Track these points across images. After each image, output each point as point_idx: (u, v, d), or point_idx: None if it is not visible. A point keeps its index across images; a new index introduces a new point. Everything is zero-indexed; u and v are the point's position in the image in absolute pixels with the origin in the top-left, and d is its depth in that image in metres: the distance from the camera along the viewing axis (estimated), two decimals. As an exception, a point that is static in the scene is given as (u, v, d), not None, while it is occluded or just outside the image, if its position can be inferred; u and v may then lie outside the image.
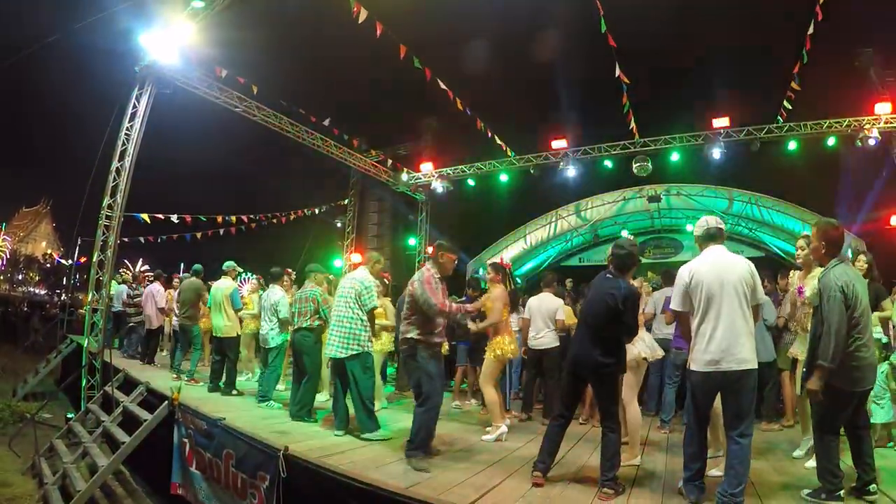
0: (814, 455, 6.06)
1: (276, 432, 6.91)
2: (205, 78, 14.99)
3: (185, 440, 7.64)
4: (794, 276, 6.91)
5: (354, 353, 7.25)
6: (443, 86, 15.70)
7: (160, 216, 17.90)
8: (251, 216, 20.77)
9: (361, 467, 5.64)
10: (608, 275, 5.85)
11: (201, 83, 14.92)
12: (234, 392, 10.01)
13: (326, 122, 18.27)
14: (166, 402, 8.10)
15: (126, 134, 12.44)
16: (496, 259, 13.74)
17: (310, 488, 5.57)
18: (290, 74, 17.59)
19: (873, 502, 4.98)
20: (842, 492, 4.94)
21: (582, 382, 5.89)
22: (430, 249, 21.21)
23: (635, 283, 7.00)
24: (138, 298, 14.17)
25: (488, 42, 16.30)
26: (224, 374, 10.26)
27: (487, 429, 7.83)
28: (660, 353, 7.10)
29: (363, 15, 12.43)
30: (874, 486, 5.01)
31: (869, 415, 5.99)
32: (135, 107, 12.61)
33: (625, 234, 25.33)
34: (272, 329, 9.60)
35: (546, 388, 9.66)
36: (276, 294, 9.77)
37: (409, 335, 6.50)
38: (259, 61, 15.80)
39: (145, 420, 8.14)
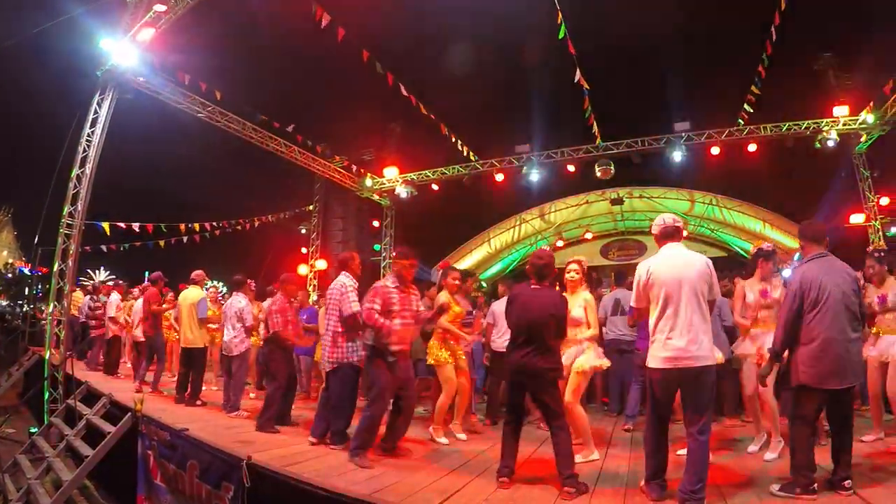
0: (769, 448, 6.48)
1: (239, 442, 6.87)
2: (168, 83, 14.87)
3: (150, 452, 7.52)
4: (744, 283, 7.05)
5: (330, 367, 7.27)
6: (404, 91, 15.73)
7: (121, 225, 17.69)
8: (214, 223, 20.52)
9: (325, 475, 5.63)
10: (534, 285, 5.98)
11: (164, 88, 14.81)
12: (199, 402, 9.90)
13: (290, 129, 18.20)
14: (129, 413, 7.97)
15: (87, 140, 12.26)
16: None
17: (274, 497, 5.54)
18: (253, 80, 17.51)
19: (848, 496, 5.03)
20: (815, 486, 5.02)
21: (523, 388, 5.93)
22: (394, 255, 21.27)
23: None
24: (99, 310, 13.89)
25: (451, 47, 16.34)
26: (189, 385, 10.12)
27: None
28: (607, 362, 7.14)
29: (326, 20, 12.42)
30: (849, 482, 5.08)
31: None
32: (96, 112, 12.45)
33: (588, 236, 25.65)
34: (236, 337, 9.51)
35: None
36: (241, 302, 9.68)
37: (367, 342, 6.80)
38: (223, 67, 15.70)
39: (109, 433, 8.01)
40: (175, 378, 10.96)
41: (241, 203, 20.61)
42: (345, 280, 7.36)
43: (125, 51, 12.43)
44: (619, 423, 8.95)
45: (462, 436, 7.94)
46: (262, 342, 9.15)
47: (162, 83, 14.74)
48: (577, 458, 6.22)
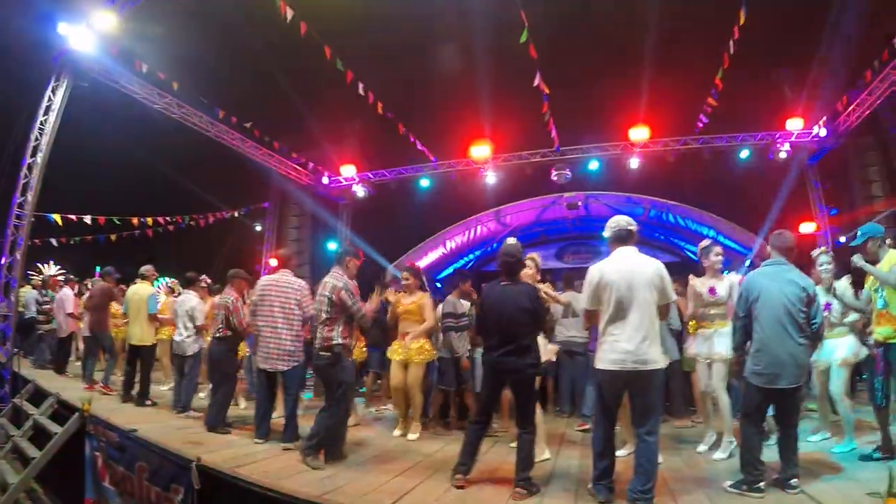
0: (719, 448, 6.65)
1: (189, 443, 6.78)
2: (125, 72, 14.45)
3: (98, 453, 7.32)
4: (695, 281, 7.21)
5: (293, 364, 7.24)
6: (361, 91, 15.68)
7: (73, 217, 17.33)
8: (168, 218, 20.11)
9: (275, 476, 5.60)
10: (504, 282, 5.98)
11: (121, 77, 14.37)
12: (148, 402, 9.68)
13: (248, 125, 17.99)
14: (77, 413, 7.77)
15: (39, 128, 11.86)
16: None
17: (224, 499, 5.48)
18: (212, 73, 17.17)
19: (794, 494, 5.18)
20: (762, 483, 5.18)
21: (502, 387, 5.99)
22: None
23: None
24: (48, 305, 13.55)
25: (413, 47, 16.30)
26: (138, 384, 9.88)
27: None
28: (552, 357, 7.41)
29: (289, 14, 12.31)
30: (796, 480, 5.23)
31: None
32: (50, 100, 12.01)
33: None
34: (189, 336, 9.32)
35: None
36: (192, 300, 9.52)
37: (334, 341, 6.59)
38: (182, 58, 15.30)
39: (56, 433, 7.80)
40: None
41: (196, 198, 20.17)
42: (290, 278, 7.40)
43: (82, 36, 11.98)
44: (571, 423, 9.07)
45: (413, 436, 7.97)
46: (212, 339, 8.94)
47: (119, 72, 14.33)
48: None
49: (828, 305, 6.98)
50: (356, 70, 15.24)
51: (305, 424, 7.02)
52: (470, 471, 5.71)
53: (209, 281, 10.75)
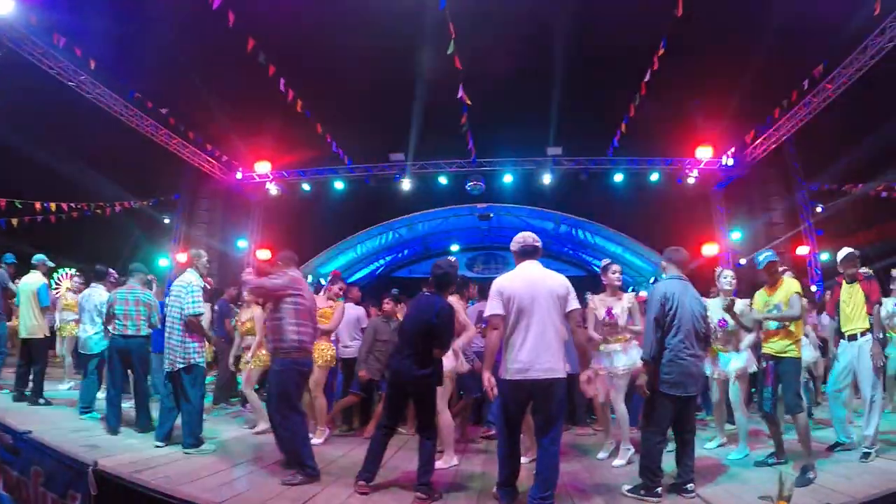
0: (618, 456, 6.92)
1: (86, 446, 6.52)
2: (40, 44, 13.86)
3: (-9, 457, 7.09)
4: (594, 301, 7.59)
5: (182, 365, 7.05)
6: (282, 87, 15.52)
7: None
8: (73, 204, 19.28)
9: (176, 482, 5.49)
10: (427, 293, 6.12)
11: (35, 49, 13.80)
12: (42, 401, 9.11)
13: (164, 111, 17.52)
14: (-34, 414, 7.46)
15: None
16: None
17: (123, 505, 5.33)
18: (132, 55, 16.57)
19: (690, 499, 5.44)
20: (660, 489, 5.44)
21: (403, 395, 6.02)
22: (260, 254, 20.86)
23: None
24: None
25: (338, 48, 16.19)
26: (31, 381, 9.33)
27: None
28: (467, 365, 7.57)
29: (217, 1, 12.07)
30: (692, 485, 5.52)
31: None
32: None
33: (454, 248, 25.99)
34: (95, 333, 8.88)
35: None
36: (101, 295, 9.05)
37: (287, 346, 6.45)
38: (101, 35, 14.73)
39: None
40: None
41: (104, 185, 19.34)
42: (192, 278, 7.21)
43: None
44: (476, 430, 9.18)
45: (317, 440, 7.87)
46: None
47: (34, 43, 13.77)
48: (439, 464, 6.42)
49: (723, 322, 7.40)
50: (279, 66, 15.06)
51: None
52: (373, 478, 5.73)
53: (117, 276, 10.39)
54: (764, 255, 6.63)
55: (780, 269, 6.93)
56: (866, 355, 6.68)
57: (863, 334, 6.81)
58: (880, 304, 7.06)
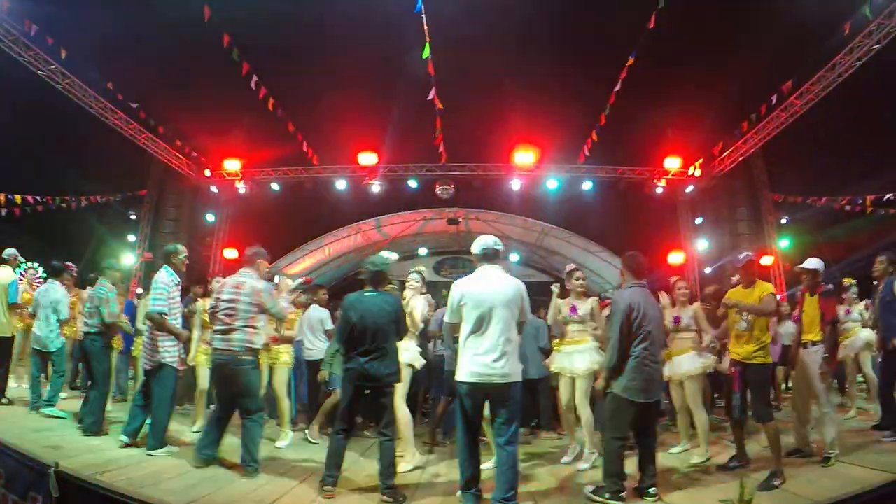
0: (582, 459, 7.05)
1: (48, 447, 6.39)
2: (12, 30, 13.67)
3: (-50, 458, 6.95)
4: (560, 302, 7.72)
5: (149, 366, 6.98)
6: (254, 85, 15.44)
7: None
8: (38, 197, 18.91)
9: (139, 484, 5.41)
10: (369, 292, 6.12)
11: (7, 36, 13.61)
12: (5, 401, 8.83)
13: (135, 105, 17.29)
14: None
15: None
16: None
17: (85, 508, 5.25)
18: (104, 46, 16.27)
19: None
20: (624, 492, 5.53)
21: (362, 395, 6.05)
22: (227, 253, 20.72)
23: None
24: None
25: (312, 47, 16.14)
26: None
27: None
28: (423, 361, 7.71)
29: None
30: (654, 489, 5.62)
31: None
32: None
33: (422, 251, 26.02)
34: (52, 331, 8.64)
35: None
36: (57, 291, 8.85)
37: (255, 345, 6.53)
38: (74, 24, 14.48)
39: None
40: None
41: (71, 179, 18.98)
42: (162, 275, 7.10)
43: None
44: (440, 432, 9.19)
45: (281, 443, 7.94)
46: (82, 336, 8.50)
47: (6, 30, 13.59)
48: (402, 466, 6.53)
49: (677, 319, 7.71)
50: (252, 63, 14.97)
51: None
52: (337, 482, 5.74)
53: (76, 272, 10.21)
54: (744, 254, 6.71)
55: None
56: (815, 365, 6.83)
57: (814, 344, 6.95)
58: (836, 322, 7.21)
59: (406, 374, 7.18)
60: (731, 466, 6.65)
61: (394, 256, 7.13)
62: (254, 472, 6.19)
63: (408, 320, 7.07)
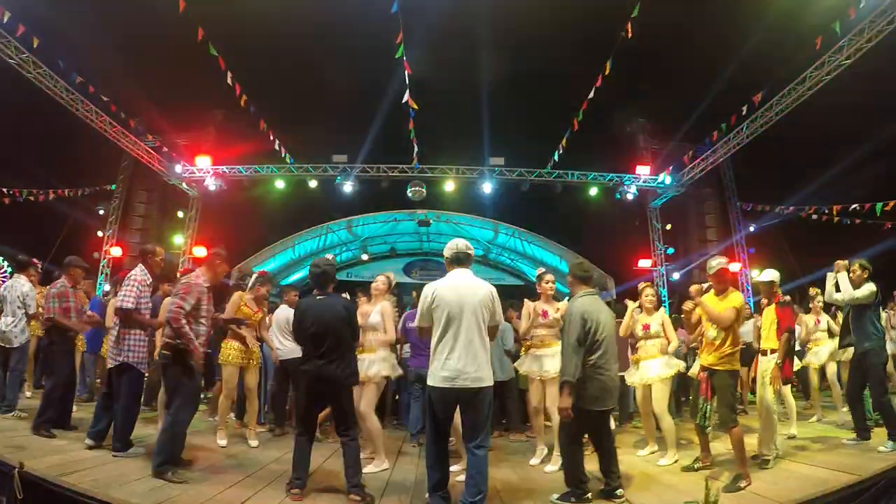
0: (550, 461, 7.12)
1: (11, 447, 6.30)
2: None
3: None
4: (529, 304, 7.79)
5: (113, 364, 6.86)
6: (229, 80, 15.33)
7: None
8: (4, 189, 18.51)
9: (104, 485, 5.34)
10: (319, 295, 6.11)
11: None
12: None
13: (106, 99, 17.07)
14: None
15: None
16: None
17: (49, 510, 5.18)
18: (77, 36, 16.03)
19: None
20: (589, 494, 5.65)
21: (319, 397, 6.04)
22: (196, 251, 20.55)
23: None
24: None
25: (287, 45, 16.09)
26: None
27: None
28: (399, 370, 7.79)
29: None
30: (620, 490, 5.76)
31: None
32: None
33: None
34: (16, 326, 8.45)
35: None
36: (23, 285, 8.67)
37: (171, 341, 6.35)
38: (47, 13, 14.29)
39: None
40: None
41: (37, 171, 18.63)
42: (136, 271, 7.00)
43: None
44: (409, 436, 9.20)
45: (254, 443, 7.94)
46: (42, 333, 8.39)
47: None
48: (370, 468, 6.63)
49: (646, 326, 7.89)
50: (226, 59, 14.86)
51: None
52: (305, 484, 5.74)
53: (41, 267, 10.06)
54: (717, 261, 6.69)
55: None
56: (767, 373, 7.09)
57: (773, 352, 7.16)
58: (791, 332, 7.28)
59: (380, 385, 7.25)
60: (695, 468, 6.81)
61: (330, 256, 7.09)
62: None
63: (380, 329, 7.21)
